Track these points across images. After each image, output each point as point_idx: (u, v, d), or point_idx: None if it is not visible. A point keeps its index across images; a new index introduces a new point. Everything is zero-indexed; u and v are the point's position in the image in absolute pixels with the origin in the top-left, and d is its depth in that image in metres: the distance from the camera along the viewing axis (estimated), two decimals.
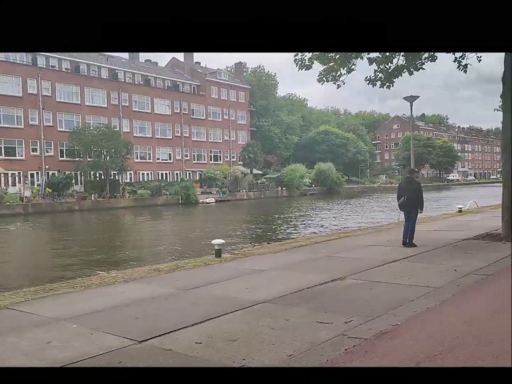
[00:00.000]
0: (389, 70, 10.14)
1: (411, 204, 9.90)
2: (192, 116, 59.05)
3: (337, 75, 10.29)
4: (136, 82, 54.69)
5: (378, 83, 10.25)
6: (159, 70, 59.98)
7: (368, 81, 10.50)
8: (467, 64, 10.17)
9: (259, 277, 6.82)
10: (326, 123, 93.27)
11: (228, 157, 63.66)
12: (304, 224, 25.43)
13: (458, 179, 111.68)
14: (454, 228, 12.63)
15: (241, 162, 61.58)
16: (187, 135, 58.42)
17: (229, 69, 73.69)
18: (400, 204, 10.10)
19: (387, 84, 10.26)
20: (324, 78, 10.25)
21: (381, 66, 10.24)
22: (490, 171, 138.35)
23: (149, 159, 54.39)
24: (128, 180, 49.80)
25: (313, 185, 65.80)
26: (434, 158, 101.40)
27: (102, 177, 44.34)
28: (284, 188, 59.51)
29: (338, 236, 11.82)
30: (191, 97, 59.82)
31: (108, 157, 42.70)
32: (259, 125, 69.63)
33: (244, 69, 77.07)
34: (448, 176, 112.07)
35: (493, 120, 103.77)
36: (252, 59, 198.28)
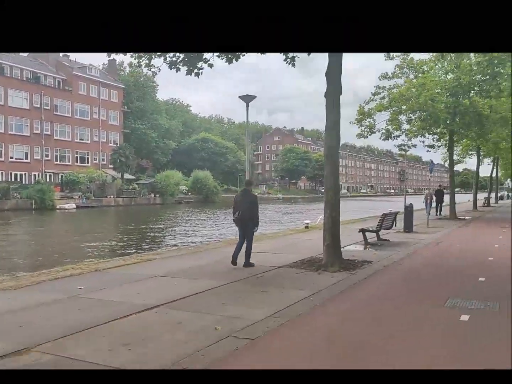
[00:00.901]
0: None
1: (246, 218, 8.89)
2: (55, 113, 53.51)
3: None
4: None
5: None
6: (18, 58, 53.14)
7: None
8: (294, 57, 9.40)
9: None
10: (209, 131, 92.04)
11: (97, 159, 58.92)
12: (141, 238, 22.58)
13: None
14: (282, 249, 11.45)
15: (111, 166, 57.10)
16: (49, 132, 52.61)
17: (105, 66, 68.47)
18: (235, 219, 9.13)
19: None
20: None
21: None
22: (361, 185, 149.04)
23: (0, 157, 47.74)
24: None
25: (190, 193, 63.67)
26: (310, 170, 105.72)
27: None
28: (157, 195, 56.46)
29: (139, 259, 9.72)
30: (54, 91, 54.15)
31: None
32: (134, 128, 65.71)
33: (121, 68, 72.57)
34: (323, 188, 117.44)
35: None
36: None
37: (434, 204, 28.01)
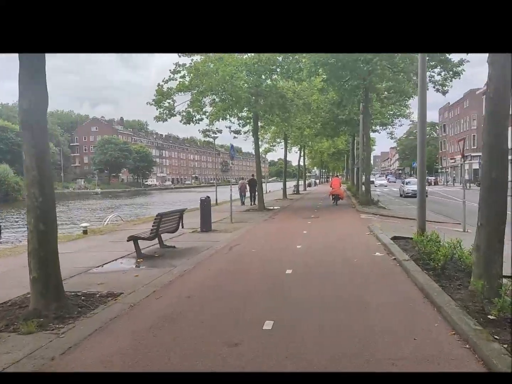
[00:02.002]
0: None
1: None
2: None
3: None
4: None
5: None
6: None
7: None
8: None
9: None
10: (11, 119, 78.15)
11: None
12: None
13: (156, 184, 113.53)
14: None
15: None
16: None
17: None
18: None
19: None
20: None
21: None
22: (186, 177, 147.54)
23: None
24: None
25: None
26: (132, 162, 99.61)
27: None
28: None
29: None
30: None
31: None
32: None
33: None
34: (147, 181, 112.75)
35: (189, 129, 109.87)
36: None
37: (248, 194, 26.84)
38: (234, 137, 22.79)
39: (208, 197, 14.24)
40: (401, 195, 35.00)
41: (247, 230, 14.03)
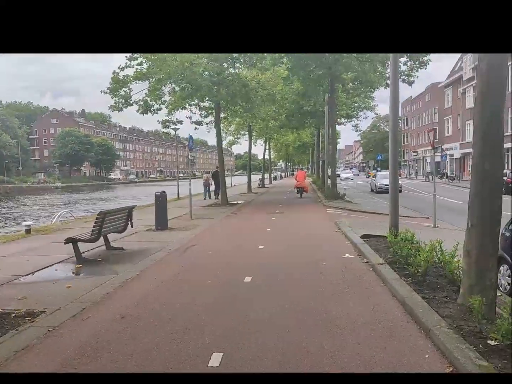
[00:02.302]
0: None
1: None
2: None
3: None
4: None
5: None
6: None
7: None
8: None
9: None
10: None
11: None
12: None
13: (119, 178, 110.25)
14: None
15: None
16: None
17: None
18: None
19: None
20: None
21: None
22: (151, 170, 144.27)
23: None
24: None
25: None
26: (94, 156, 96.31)
27: None
28: None
29: None
30: None
31: None
32: None
33: None
34: (110, 175, 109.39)
35: (154, 122, 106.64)
36: None
37: (213, 188, 25.74)
38: (195, 128, 21.65)
39: (164, 191, 13.04)
40: (372, 190, 31.96)
41: (206, 227, 12.97)
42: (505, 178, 27.47)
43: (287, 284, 6.13)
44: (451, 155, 51.89)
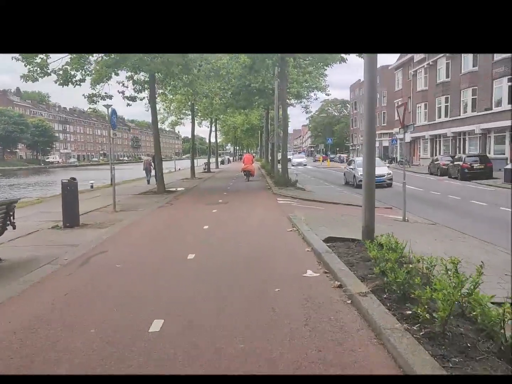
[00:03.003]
0: None
1: None
2: None
3: None
4: None
5: None
6: None
7: None
8: None
9: None
10: None
11: None
12: None
13: (58, 161, 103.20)
14: None
15: None
16: None
17: None
18: None
19: None
20: None
21: None
22: (93, 154, 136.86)
23: None
24: None
25: None
26: (29, 137, 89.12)
27: None
28: None
29: None
30: None
31: None
32: None
33: None
34: (48, 158, 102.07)
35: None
36: None
37: (153, 172, 23.07)
38: (128, 105, 18.61)
39: (74, 178, 10.25)
40: (347, 183, 23.60)
41: (129, 224, 10.39)
42: (459, 163, 26.45)
43: (220, 337, 3.76)
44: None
